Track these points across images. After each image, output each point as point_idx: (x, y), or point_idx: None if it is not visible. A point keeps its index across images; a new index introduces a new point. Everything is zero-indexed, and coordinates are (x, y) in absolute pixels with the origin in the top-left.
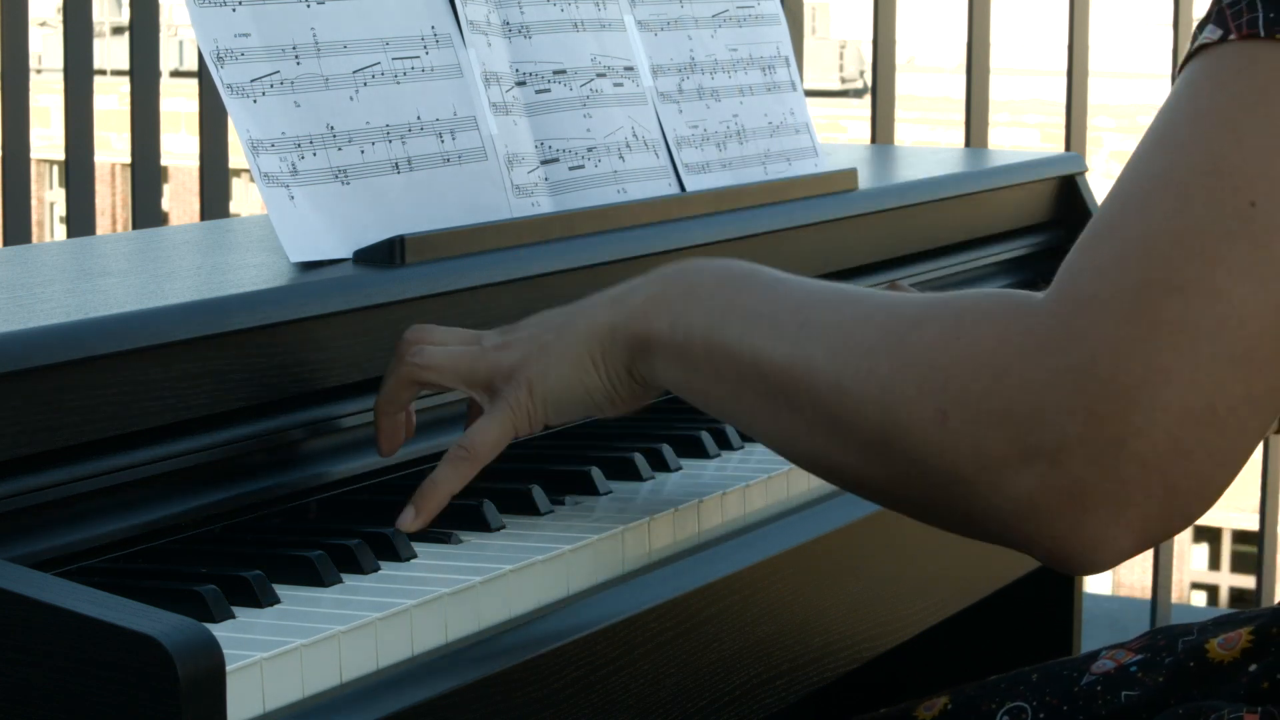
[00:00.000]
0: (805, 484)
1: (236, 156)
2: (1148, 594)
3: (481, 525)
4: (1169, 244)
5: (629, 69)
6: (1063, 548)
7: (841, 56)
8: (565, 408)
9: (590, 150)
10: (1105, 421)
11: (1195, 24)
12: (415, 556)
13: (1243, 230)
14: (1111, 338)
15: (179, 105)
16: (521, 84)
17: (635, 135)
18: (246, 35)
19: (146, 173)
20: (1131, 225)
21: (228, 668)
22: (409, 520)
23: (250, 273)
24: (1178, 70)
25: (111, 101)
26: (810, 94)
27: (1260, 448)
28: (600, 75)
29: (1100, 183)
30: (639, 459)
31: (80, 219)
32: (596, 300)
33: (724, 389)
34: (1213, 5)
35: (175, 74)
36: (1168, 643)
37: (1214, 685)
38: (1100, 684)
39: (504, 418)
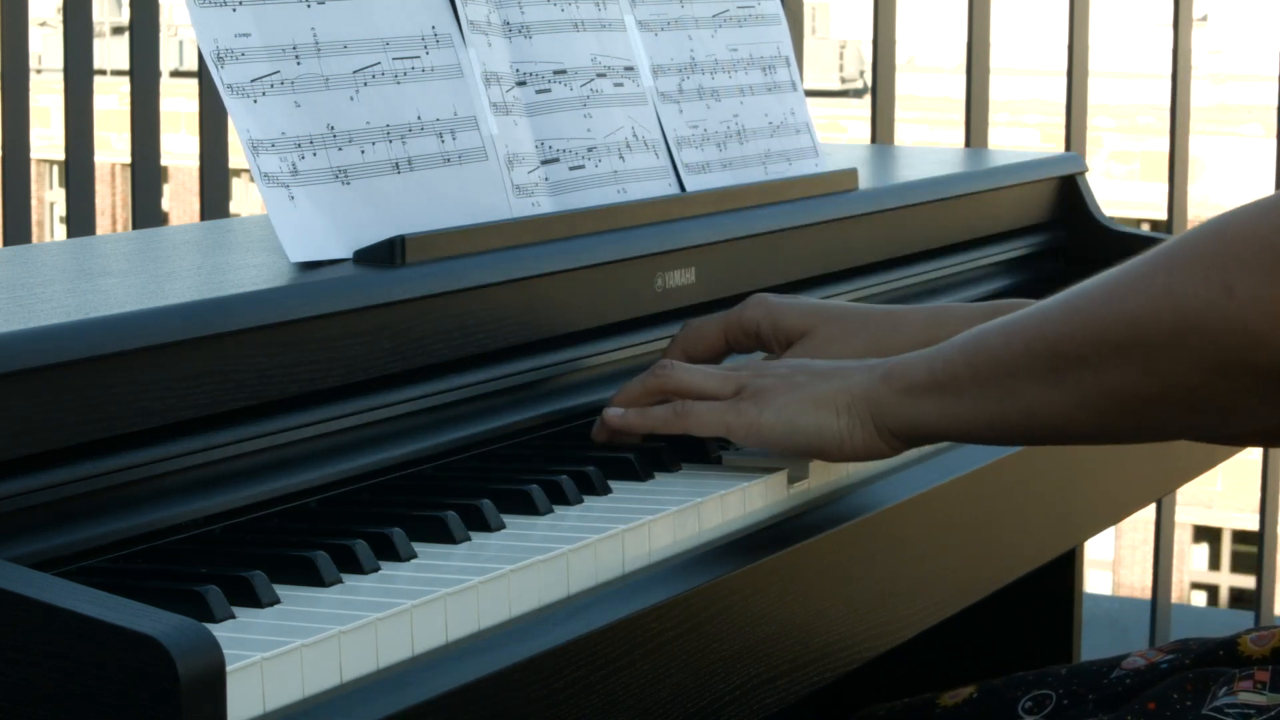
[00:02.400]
0: (805, 484)
1: (236, 156)
2: (1148, 594)
3: (482, 525)
4: None
5: (629, 69)
6: None
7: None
8: (792, 438)
9: (590, 150)
10: None
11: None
12: (415, 556)
13: None
14: None
15: (179, 105)
16: (522, 84)
17: (635, 135)
18: (246, 35)
19: (146, 173)
20: None
21: (228, 668)
22: (612, 415)
23: (250, 273)
24: None
25: (111, 101)
26: (810, 94)
27: (1260, 448)
28: (600, 75)
29: (1100, 183)
30: (637, 460)
31: (80, 219)
32: (857, 364)
33: (995, 396)
34: None
35: (175, 74)
36: (1199, 645)
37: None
38: (1129, 677)
39: (729, 414)
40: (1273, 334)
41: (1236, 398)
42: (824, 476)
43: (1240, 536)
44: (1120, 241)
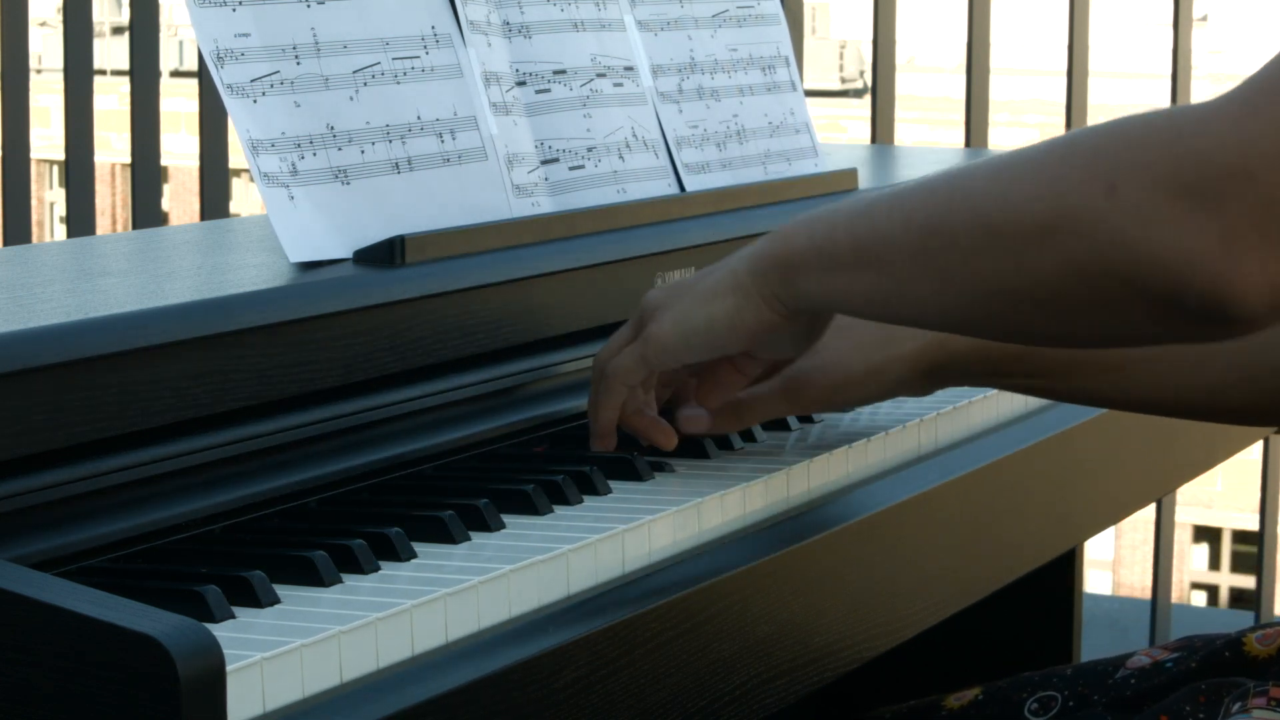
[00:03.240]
0: (804, 484)
1: (236, 156)
2: (1148, 594)
3: (481, 525)
4: None
5: (629, 69)
6: (1218, 289)
7: (841, 56)
8: (690, 341)
9: (590, 150)
10: (1260, 180)
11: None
12: (415, 556)
13: None
14: (1278, 115)
15: (179, 105)
16: (521, 84)
17: (635, 135)
18: (246, 35)
19: (146, 173)
20: None
21: (228, 668)
22: (595, 446)
23: (250, 273)
24: None
25: (111, 101)
26: (810, 94)
27: (1260, 447)
28: (600, 75)
29: None
30: (639, 459)
31: (80, 219)
32: (735, 254)
33: (872, 271)
34: None
35: (175, 74)
36: (1204, 644)
37: (1248, 675)
38: (1135, 677)
39: (639, 347)
40: (1143, 240)
41: (1097, 308)
42: (824, 476)
43: (1240, 536)
44: None
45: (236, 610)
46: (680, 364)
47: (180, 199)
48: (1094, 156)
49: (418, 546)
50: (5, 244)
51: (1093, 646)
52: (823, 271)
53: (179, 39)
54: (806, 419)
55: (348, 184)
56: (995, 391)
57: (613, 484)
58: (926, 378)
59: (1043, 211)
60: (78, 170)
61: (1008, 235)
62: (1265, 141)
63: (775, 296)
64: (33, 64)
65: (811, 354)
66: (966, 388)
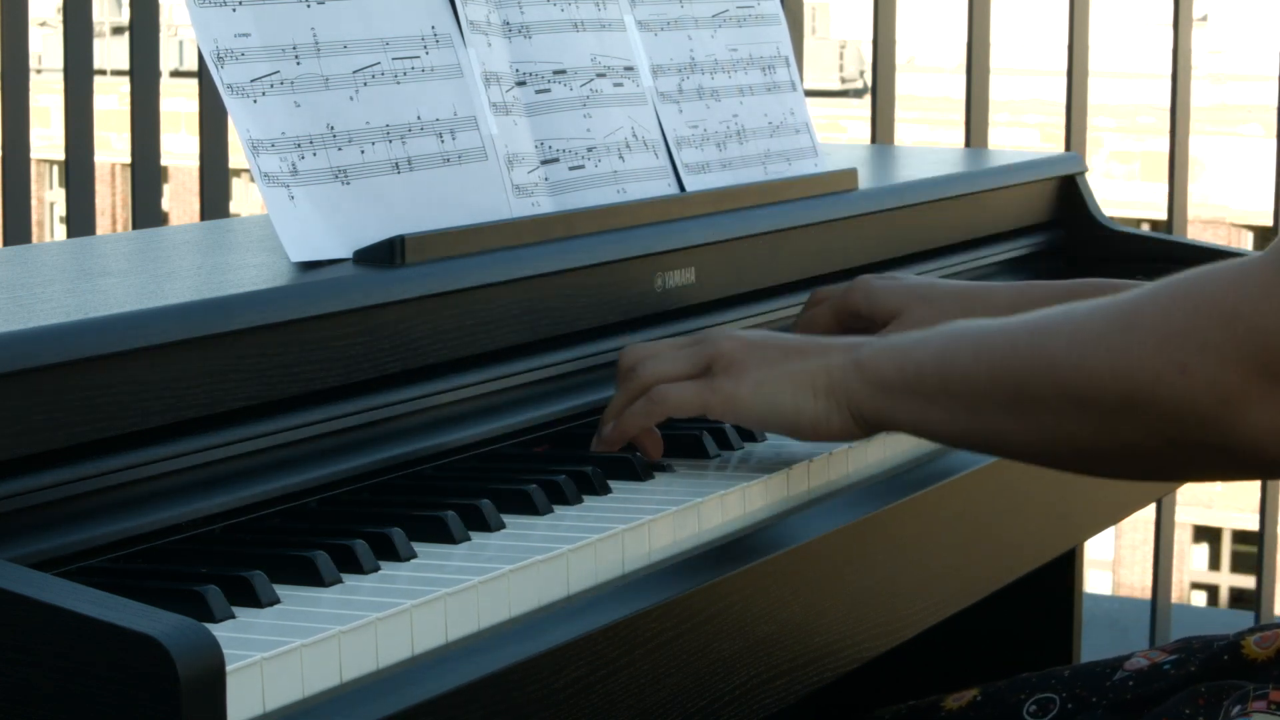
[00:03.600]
0: (805, 484)
1: (236, 156)
2: (1148, 594)
3: (482, 525)
4: None
5: (629, 69)
6: None
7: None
8: (768, 418)
9: (590, 150)
10: None
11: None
12: (415, 556)
13: None
14: None
15: (179, 105)
16: (521, 84)
17: (635, 135)
18: (246, 35)
19: (146, 173)
20: None
21: (228, 668)
22: (595, 443)
23: (250, 273)
24: None
25: (111, 101)
26: (810, 94)
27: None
28: (600, 75)
29: (1100, 183)
30: (639, 459)
31: (80, 219)
32: (830, 342)
33: (963, 413)
34: None
35: (175, 74)
36: (1202, 645)
37: (1246, 679)
38: (1133, 679)
39: (705, 392)
40: (1227, 419)
41: (1191, 464)
42: (824, 476)
43: (1240, 536)
44: (1120, 242)
45: (236, 610)
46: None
47: (180, 199)
48: (1161, 336)
49: (418, 546)
50: (5, 244)
51: (1093, 646)
52: (913, 403)
53: (179, 39)
54: None
55: (348, 184)
56: None
57: (613, 484)
58: None
59: (1123, 389)
60: (78, 170)
61: (1091, 405)
62: None
63: (863, 415)
64: (33, 64)
65: (899, 319)
66: None
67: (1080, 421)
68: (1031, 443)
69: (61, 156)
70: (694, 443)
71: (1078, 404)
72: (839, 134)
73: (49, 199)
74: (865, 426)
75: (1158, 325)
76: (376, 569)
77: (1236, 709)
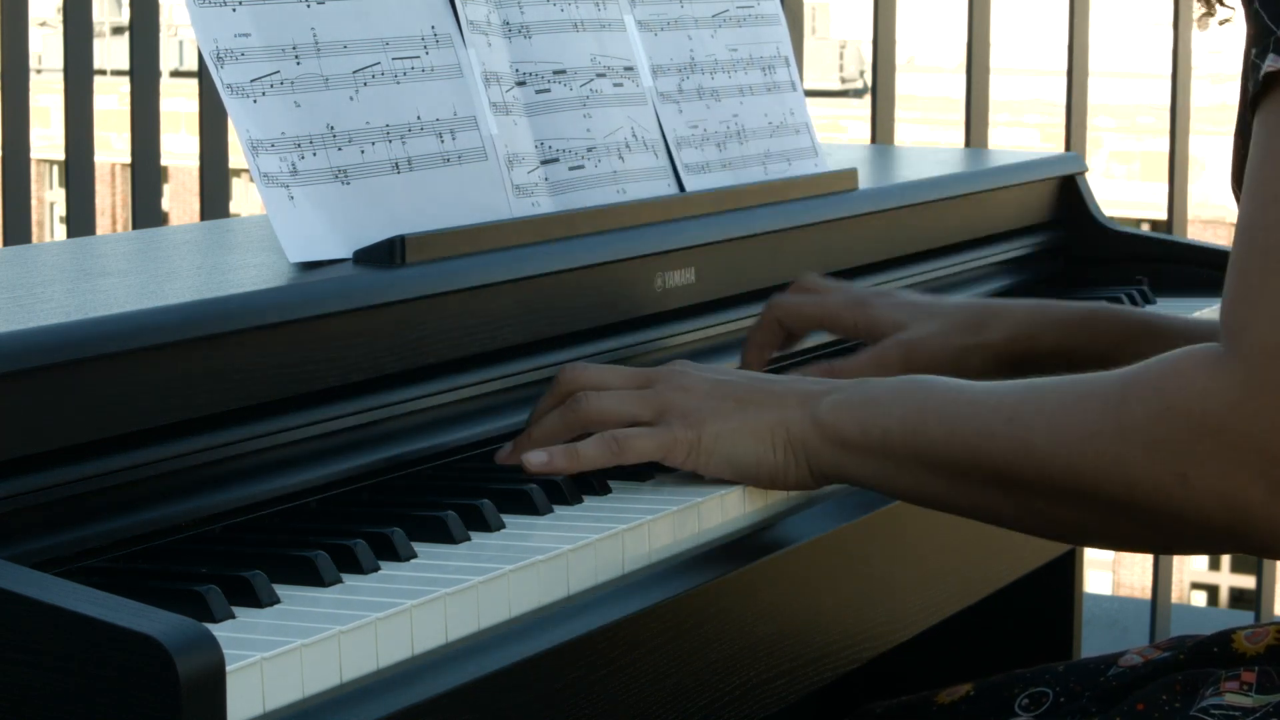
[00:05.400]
0: None
1: (236, 156)
2: (1148, 594)
3: (482, 525)
4: None
5: (629, 69)
6: (1253, 534)
7: (841, 56)
8: (726, 471)
9: (590, 150)
10: (1228, 431)
11: (1250, 52)
12: (415, 556)
13: None
14: (1207, 380)
15: (179, 105)
16: (521, 84)
17: (635, 135)
18: (246, 35)
19: (146, 173)
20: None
21: (228, 668)
22: (538, 463)
23: (250, 273)
24: (1248, 105)
25: (111, 101)
26: (810, 94)
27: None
28: (600, 75)
29: (1100, 183)
30: None
31: (80, 219)
32: (786, 390)
33: (941, 482)
34: (1261, 35)
35: (175, 74)
36: (1195, 642)
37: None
38: (1127, 676)
39: (666, 440)
40: (1237, 525)
41: (1199, 547)
42: None
43: None
44: (1120, 242)
45: (236, 610)
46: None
47: (180, 199)
48: (1152, 446)
49: (418, 546)
50: (5, 244)
51: (1093, 646)
52: (880, 466)
53: (179, 39)
54: None
55: (348, 184)
56: None
57: (613, 484)
58: (1010, 369)
59: (1121, 492)
60: (78, 170)
61: (1088, 500)
62: (1209, 403)
63: (822, 470)
64: (33, 64)
65: (904, 332)
66: None
67: (1074, 511)
68: (1018, 519)
69: (61, 156)
70: None
71: (1074, 496)
72: (839, 134)
73: (49, 199)
74: (823, 479)
75: (1145, 431)
76: (376, 569)
77: (1210, 690)
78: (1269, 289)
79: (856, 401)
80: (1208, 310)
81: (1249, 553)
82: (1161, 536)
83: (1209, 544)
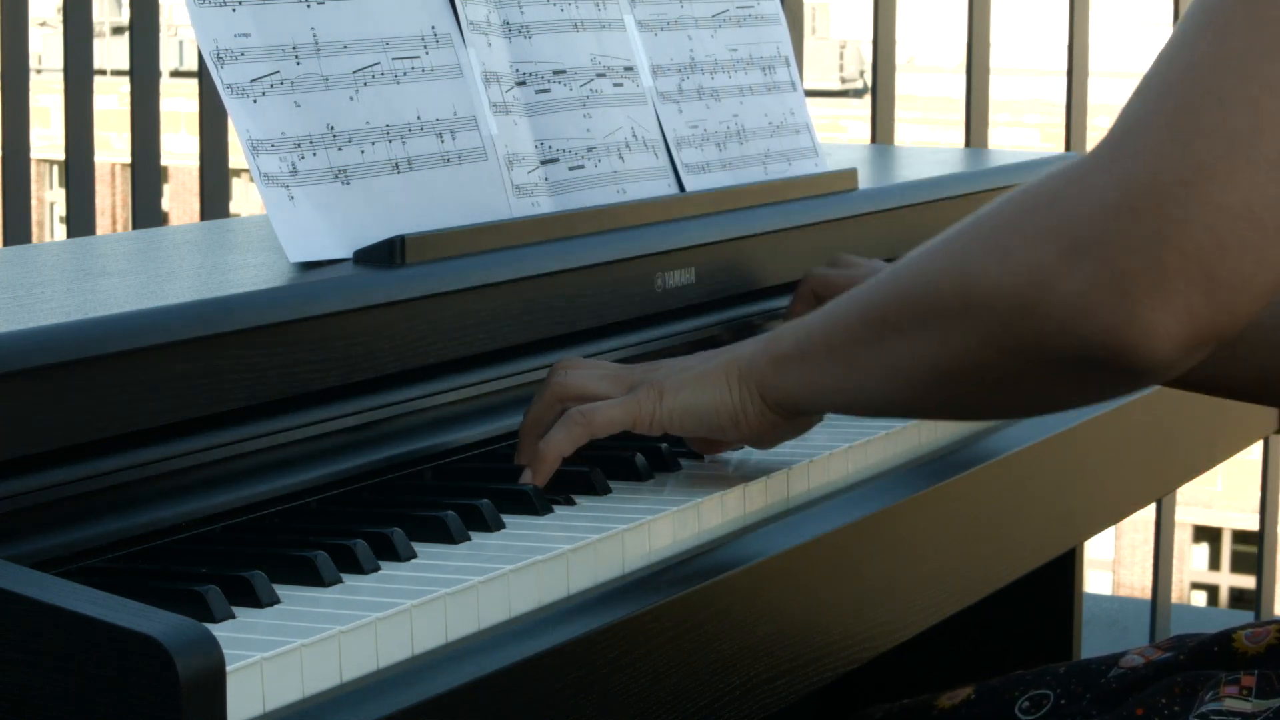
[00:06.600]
0: (805, 484)
1: (236, 156)
2: (1148, 594)
3: (481, 525)
4: (1209, 67)
5: (629, 69)
6: (1120, 340)
7: (841, 56)
8: (689, 418)
9: (590, 150)
10: (1145, 215)
11: None
12: (415, 556)
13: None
14: (1153, 144)
15: (179, 105)
16: (521, 84)
17: (635, 135)
18: (246, 35)
19: (146, 173)
20: (1175, 64)
21: (228, 668)
22: (527, 479)
23: (250, 273)
24: None
25: (111, 101)
26: (810, 94)
27: (1260, 447)
28: (600, 75)
29: None
30: (639, 459)
31: (80, 219)
32: (743, 342)
33: (841, 367)
34: None
35: (175, 74)
36: (1196, 642)
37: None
38: (1128, 677)
39: (629, 405)
40: (1041, 303)
41: (1021, 378)
42: (824, 476)
43: (1240, 536)
44: None
45: (236, 610)
46: (672, 434)
47: (180, 199)
48: (991, 228)
49: (418, 546)
50: (5, 244)
51: (1093, 646)
52: (804, 373)
53: (179, 39)
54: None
55: (348, 184)
56: None
57: (613, 484)
58: None
59: (955, 289)
60: (78, 170)
61: (930, 315)
62: (1141, 177)
63: (775, 399)
64: (33, 64)
65: None
66: None
67: (925, 338)
68: (889, 379)
69: (61, 156)
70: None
71: (919, 318)
72: (839, 134)
73: (49, 199)
74: (779, 410)
75: (990, 220)
76: (376, 569)
77: (1210, 694)
78: (1151, 80)
79: (793, 322)
80: None
81: (1067, 378)
82: (991, 350)
83: (1032, 357)
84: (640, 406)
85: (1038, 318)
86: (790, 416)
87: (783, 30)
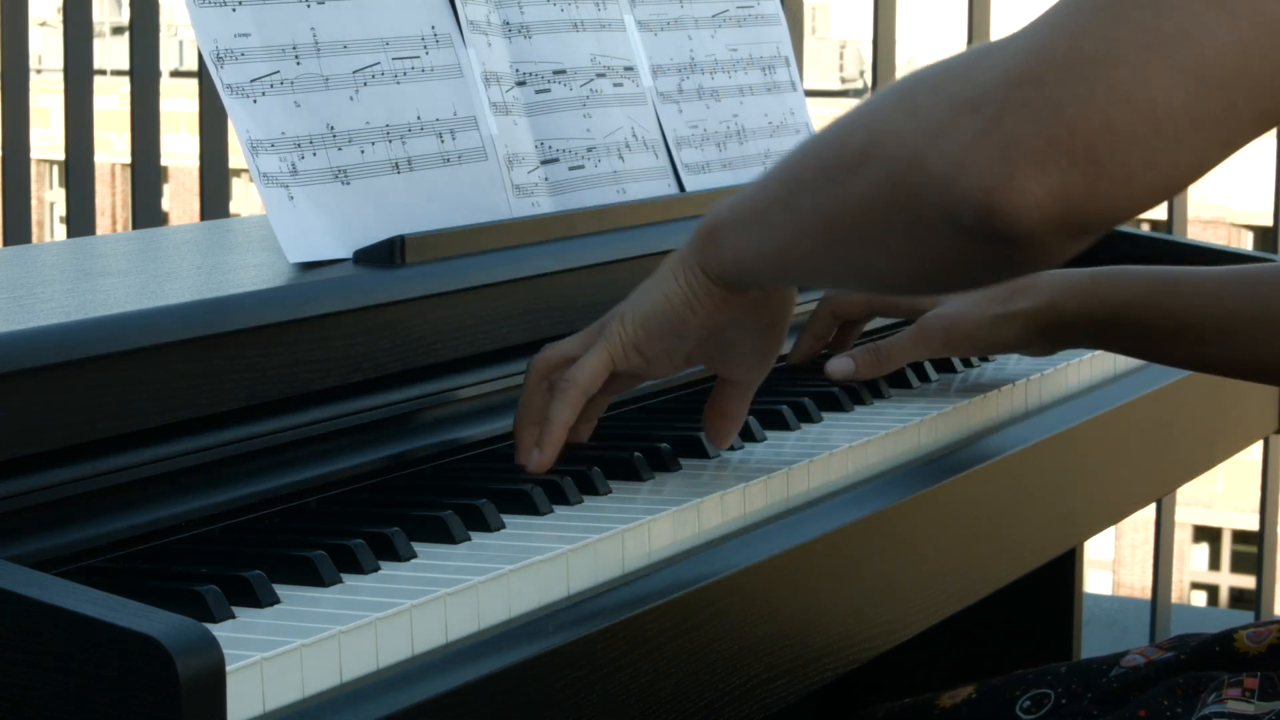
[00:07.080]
0: (805, 484)
1: (236, 156)
2: (1148, 594)
3: (482, 525)
4: None
5: (629, 69)
6: (988, 202)
7: (841, 56)
8: (651, 322)
9: (590, 150)
10: (1048, 84)
11: None
12: (415, 556)
13: None
14: (1077, 24)
15: (179, 105)
16: (521, 84)
17: (635, 135)
18: (246, 35)
19: (146, 173)
20: None
21: (228, 668)
22: (536, 460)
23: (250, 273)
24: None
25: (111, 101)
26: (810, 94)
27: (1260, 447)
28: (600, 75)
29: None
30: (639, 459)
31: (80, 219)
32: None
33: (761, 228)
34: None
35: (175, 74)
36: (1198, 642)
37: (1234, 672)
38: (1130, 675)
39: (603, 347)
40: (931, 154)
41: (903, 233)
42: (824, 476)
43: (1240, 536)
44: (1120, 242)
45: (236, 610)
46: (649, 353)
47: (180, 199)
48: (909, 87)
49: (418, 546)
50: (5, 244)
51: (1093, 646)
52: (739, 234)
53: (179, 39)
54: (807, 417)
55: (348, 184)
56: (994, 391)
57: (613, 484)
58: (1043, 336)
59: (861, 140)
60: (78, 170)
61: (834, 167)
62: (1056, 48)
63: (718, 272)
64: (33, 64)
65: (942, 307)
66: (970, 387)
67: (826, 190)
68: (796, 237)
69: (61, 156)
70: (694, 444)
71: (824, 168)
72: None
73: (49, 199)
74: (722, 283)
75: (915, 79)
76: (376, 569)
77: (1213, 697)
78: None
79: (724, 199)
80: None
81: (942, 237)
82: (881, 199)
83: (912, 209)
84: (612, 342)
85: (922, 170)
86: (737, 290)
87: (783, 30)
